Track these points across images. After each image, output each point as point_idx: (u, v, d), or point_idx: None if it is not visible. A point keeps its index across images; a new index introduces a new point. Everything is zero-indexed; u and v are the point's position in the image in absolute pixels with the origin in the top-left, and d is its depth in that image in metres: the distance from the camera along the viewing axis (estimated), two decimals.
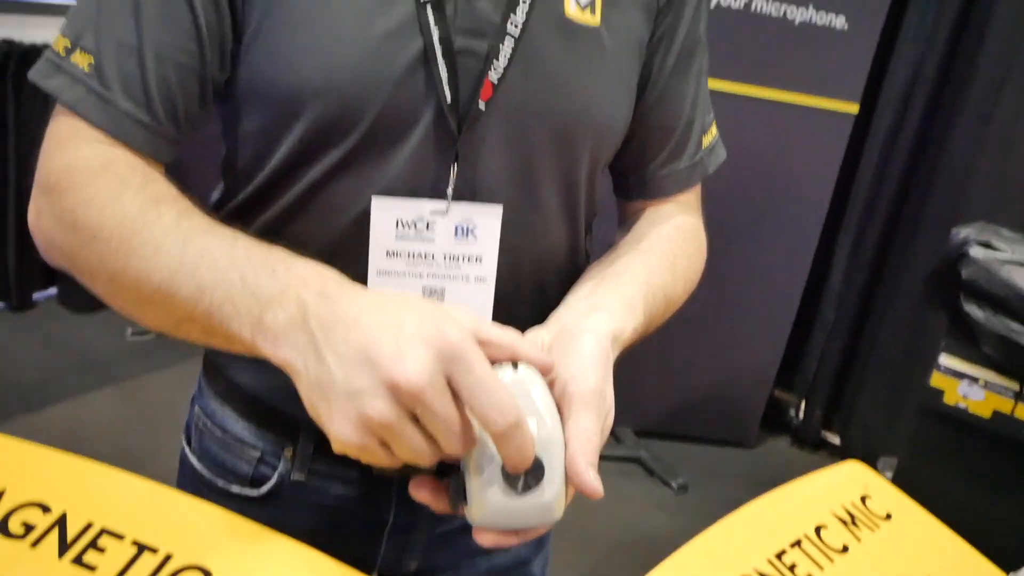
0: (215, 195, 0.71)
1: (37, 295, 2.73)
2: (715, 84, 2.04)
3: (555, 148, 0.66)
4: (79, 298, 2.70)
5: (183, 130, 0.61)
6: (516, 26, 0.61)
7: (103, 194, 0.56)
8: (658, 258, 0.71)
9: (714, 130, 0.80)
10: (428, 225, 0.64)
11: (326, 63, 0.59)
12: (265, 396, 0.70)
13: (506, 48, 0.61)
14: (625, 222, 0.80)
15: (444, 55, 0.60)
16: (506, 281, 0.68)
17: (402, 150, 0.62)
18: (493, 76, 0.61)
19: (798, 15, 2.12)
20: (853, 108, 2.20)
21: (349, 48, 0.59)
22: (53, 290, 2.76)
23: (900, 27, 2.25)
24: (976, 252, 1.76)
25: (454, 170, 0.63)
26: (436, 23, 0.59)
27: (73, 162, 0.58)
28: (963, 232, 1.83)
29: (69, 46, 0.58)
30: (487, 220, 0.65)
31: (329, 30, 0.59)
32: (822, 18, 2.12)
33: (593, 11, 0.65)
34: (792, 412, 2.63)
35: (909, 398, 2.28)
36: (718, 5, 2.09)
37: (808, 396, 2.60)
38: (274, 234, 0.63)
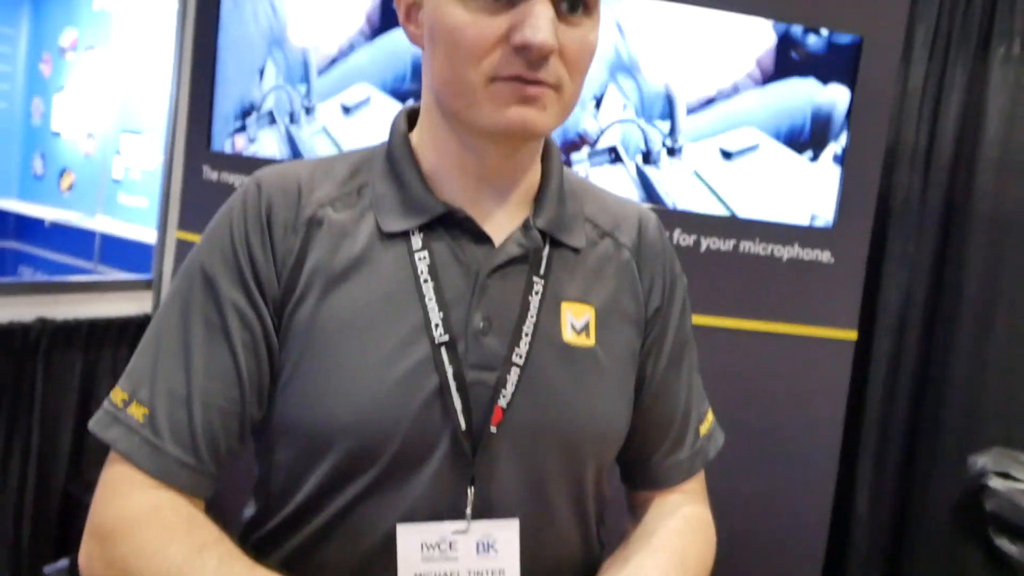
0: (248, 512, 0.76)
1: (48, 569, 2.68)
2: (712, 321, 2.12)
3: (563, 459, 0.71)
4: None
5: (222, 465, 0.68)
6: (520, 356, 0.69)
7: (152, 544, 0.61)
8: (669, 556, 0.73)
9: (710, 417, 0.85)
10: (451, 545, 0.68)
11: (353, 403, 0.65)
12: None
13: (512, 376, 0.68)
14: (634, 511, 0.84)
15: (458, 389, 0.67)
16: None
17: (423, 475, 0.67)
18: (502, 402, 0.68)
19: (784, 252, 2.23)
20: (852, 335, 2.25)
21: (373, 389, 0.66)
22: (65, 562, 2.72)
23: (884, 255, 2.35)
24: (996, 484, 1.73)
25: (471, 491, 0.67)
26: (450, 361, 0.67)
27: (123, 511, 0.64)
28: (980, 461, 1.81)
29: (127, 399, 0.66)
30: (506, 534, 0.69)
31: (355, 374, 0.66)
32: (808, 254, 2.23)
33: (588, 335, 0.72)
34: None
35: None
36: (708, 248, 2.21)
37: None
38: (305, 558, 0.68)
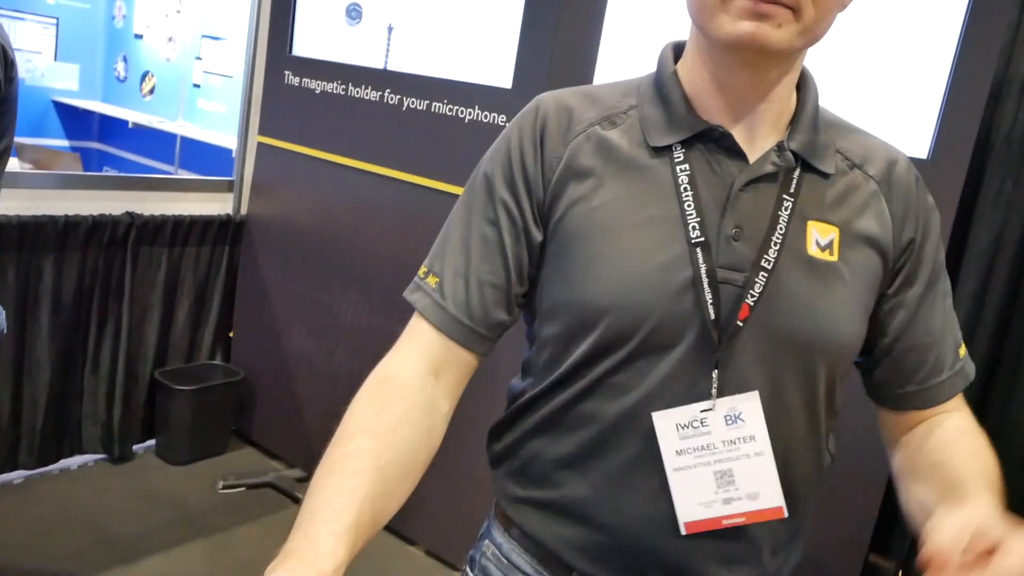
0: (517, 383, 0.90)
1: (136, 447, 2.84)
2: None
3: (798, 363, 0.78)
4: (175, 451, 2.80)
5: (493, 330, 0.83)
6: (769, 262, 0.76)
7: (356, 409, 0.74)
8: (984, 479, 0.84)
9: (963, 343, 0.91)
10: (702, 422, 0.77)
11: (616, 286, 0.76)
12: (547, 543, 0.85)
13: (760, 279, 0.76)
14: (893, 431, 0.92)
15: (710, 284, 0.75)
16: None
17: (671, 357, 0.76)
18: (749, 300, 0.75)
19: None
20: None
21: (636, 275, 0.76)
22: (152, 442, 2.88)
23: (978, 192, 2.29)
24: None
25: (716, 374, 0.76)
26: (704, 260, 0.76)
27: (379, 369, 0.79)
28: None
29: (426, 271, 0.84)
30: (749, 405, 0.78)
31: (619, 263, 0.77)
32: None
33: (832, 252, 0.79)
34: None
35: None
36: None
37: (906, 563, 2.47)
38: (566, 412, 0.82)
